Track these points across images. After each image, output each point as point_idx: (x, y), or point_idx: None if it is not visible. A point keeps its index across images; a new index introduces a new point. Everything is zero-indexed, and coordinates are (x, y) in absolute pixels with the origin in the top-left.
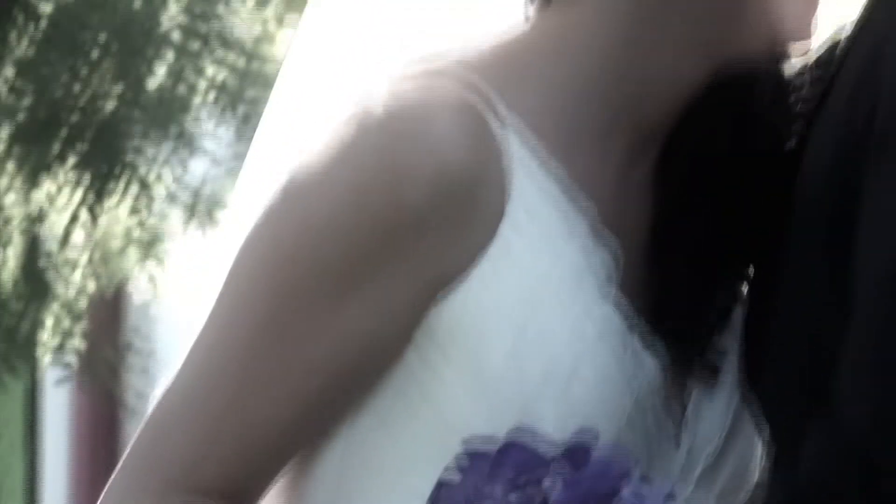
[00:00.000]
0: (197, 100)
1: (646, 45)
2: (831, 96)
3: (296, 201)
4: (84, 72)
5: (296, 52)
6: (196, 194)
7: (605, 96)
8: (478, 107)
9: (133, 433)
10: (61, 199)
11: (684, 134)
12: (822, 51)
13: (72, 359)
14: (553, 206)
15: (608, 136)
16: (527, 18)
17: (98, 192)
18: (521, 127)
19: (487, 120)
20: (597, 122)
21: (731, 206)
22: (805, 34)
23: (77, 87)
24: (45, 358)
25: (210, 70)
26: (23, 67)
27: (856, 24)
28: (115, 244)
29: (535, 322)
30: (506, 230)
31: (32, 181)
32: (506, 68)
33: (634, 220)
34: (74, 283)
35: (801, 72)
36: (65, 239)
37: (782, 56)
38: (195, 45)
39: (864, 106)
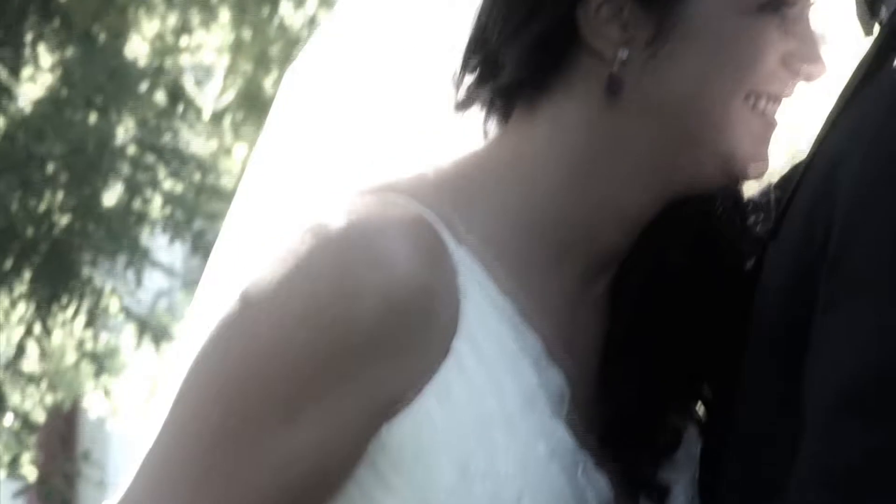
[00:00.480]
0: (153, 213)
1: (601, 170)
2: (787, 218)
3: (247, 318)
4: (39, 185)
5: (253, 165)
6: (151, 309)
7: (560, 219)
8: (433, 225)
9: None
10: (16, 313)
11: (638, 257)
12: (784, 173)
13: (28, 471)
14: (506, 325)
15: (563, 258)
16: (485, 136)
17: (52, 306)
18: (475, 246)
19: (442, 238)
20: (551, 244)
21: (685, 327)
22: (759, 164)
23: (32, 201)
24: (1, 471)
25: (166, 183)
26: None
27: (812, 148)
28: (70, 358)
29: (485, 445)
30: (459, 348)
31: None
32: (462, 188)
33: (588, 339)
34: (30, 395)
35: (765, 193)
36: (19, 352)
37: (737, 182)
38: (150, 159)
39: (820, 228)
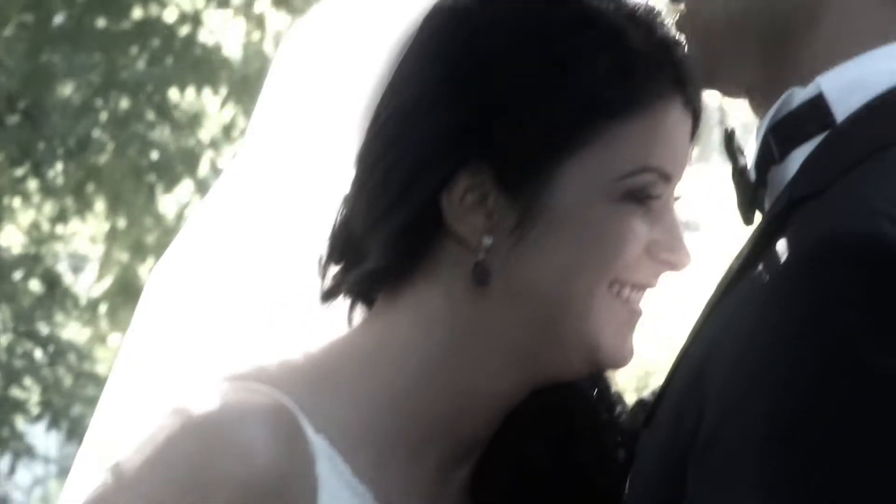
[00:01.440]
0: (30, 401)
1: (465, 359)
2: (660, 407)
3: (108, 500)
4: None
5: (127, 352)
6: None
7: (422, 409)
8: (292, 414)
9: None
10: None
11: (500, 446)
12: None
13: None
14: None
15: (424, 446)
16: (350, 323)
17: None
18: (335, 435)
19: (301, 427)
20: (413, 433)
21: None
22: (621, 358)
23: None
24: None
25: (44, 371)
26: None
27: (689, 336)
28: None
29: None
30: None
31: None
32: (325, 376)
33: None
34: None
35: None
36: None
37: (602, 371)
38: (28, 347)
39: (689, 420)
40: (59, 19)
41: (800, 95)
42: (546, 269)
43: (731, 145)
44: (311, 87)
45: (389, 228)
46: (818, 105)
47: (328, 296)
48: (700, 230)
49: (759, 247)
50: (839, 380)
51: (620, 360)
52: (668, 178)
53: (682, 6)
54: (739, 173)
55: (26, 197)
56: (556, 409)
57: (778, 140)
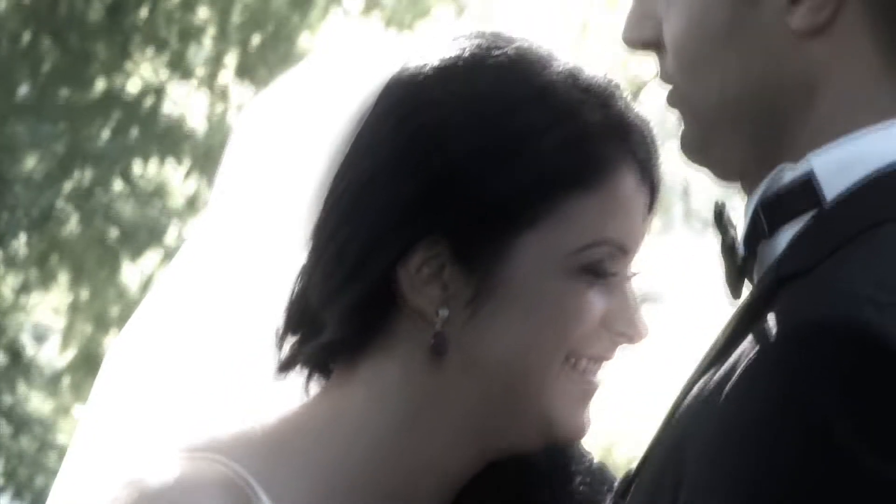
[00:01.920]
0: None
1: (421, 430)
2: (634, 487)
3: None
4: None
5: (86, 422)
6: None
7: (377, 479)
8: (246, 486)
9: None
10: None
11: None
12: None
13: None
14: None
15: None
16: (306, 394)
17: None
18: None
19: (255, 498)
20: (369, 503)
21: None
22: (577, 431)
23: None
24: None
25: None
26: None
27: (664, 419)
28: None
29: None
30: None
31: None
32: (281, 447)
33: None
34: None
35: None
36: None
37: (558, 443)
38: None
39: (664, 499)
40: (23, 90)
41: (791, 172)
42: (502, 341)
43: (720, 219)
44: (271, 158)
45: (345, 301)
46: (808, 183)
47: (284, 367)
48: (662, 301)
49: (743, 324)
50: (816, 468)
51: (576, 433)
52: (625, 251)
53: (671, 85)
54: (728, 248)
55: None
56: (511, 481)
57: (767, 216)
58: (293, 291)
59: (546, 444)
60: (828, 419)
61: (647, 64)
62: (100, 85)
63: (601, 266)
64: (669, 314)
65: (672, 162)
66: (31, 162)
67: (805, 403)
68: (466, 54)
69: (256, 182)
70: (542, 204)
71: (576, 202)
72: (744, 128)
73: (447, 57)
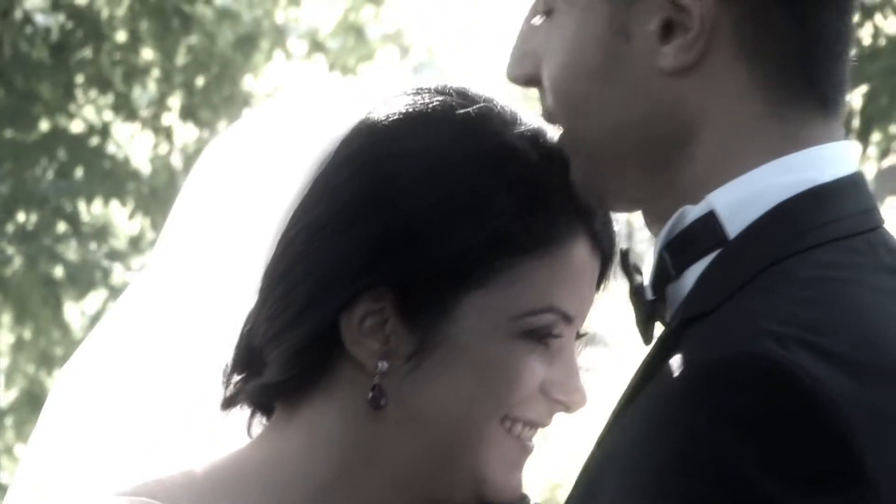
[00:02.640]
0: None
1: (356, 478)
2: None
3: None
4: None
5: (27, 462)
6: None
7: None
8: None
9: None
10: None
11: None
12: None
13: None
14: None
15: None
16: (249, 435)
17: None
18: None
19: None
20: None
21: None
22: (508, 492)
23: None
24: None
25: None
26: None
27: (586, 459)
28: None
29: None
30: None
31: None
32: (220, 491)
33: None
34: None
35: None
36: None
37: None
38: None
39: None
40: None
41: (692, 213)
42: (440, 399)
43: (626, 264)
44: (223, 200)
45: (288, 344)
46: (711, 222)
47: (227, 404)
48: (606, 344)
49: (653, 366)
50: (723, 502)
51: (507, 495)
52: (570, 320)
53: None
54: (636, 292)
55: None
56: None
57: (673, 257)
58: (242, 329)
59: (479, 502)
60: (734, 455)
61: None
62: (44, 125)
63: (546, 332)
64: (613, 356)
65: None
66: None
67: (711, 441)
68: (430, 109)
69: (207, 222)
70: (492, 266)
71: (526, 267)
72: (630, 163)
73: (410, 110)
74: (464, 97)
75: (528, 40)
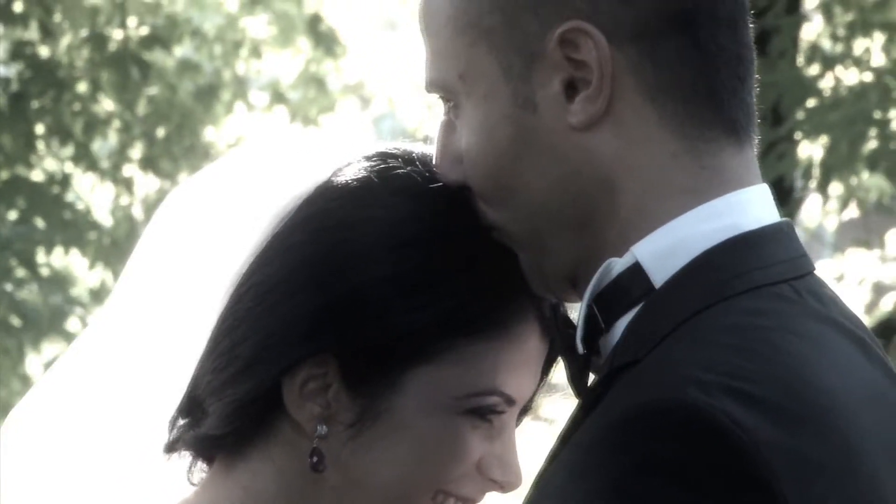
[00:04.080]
0: None
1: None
2: None
3: None
4: None
5: None
6: None
7: None
8: None
9: None
10: None
11: None
12: None
13: None
14: None
15: None
16: (189, 482)
17: None
18: None
19: None
20: None
21: None
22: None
23: None
24: None
25: None
26: None
27: None
28: None
29: None
30: None
31: None
32: None
33: None
34: None
35: None
36: None
37: None
38: None
39: None
40: None
41: (618, 265)
42: (376, 468)
43: (556, 320)
44: (180, 250)
45: (229, 399)
46: (637, 273)
47: (169, 449)
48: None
49: (582, 415)
50: None
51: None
52: (514, 403)
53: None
54: (568, 347)
55: None
56: None
57: (602, 309)
58: (191, 377)
59: None
60: (654, 500)
61: None
62: (4, 174)
63: (488, 412)
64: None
65: None
66: None
67: (631, 488)
68: (391, 178)
69: (164, 271)
70: (440, 344)
71: (474, 348)
72: (561, 236)
73: (373, 178)
74: (428, 168)
75: (446, 146)
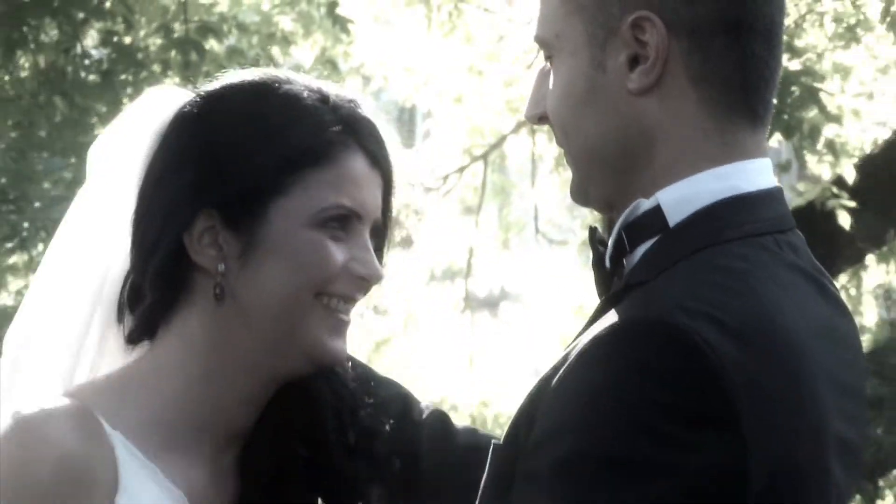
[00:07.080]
0: None
1: (217, 367)
2: (511, 425)
3: None
4: None
5: None
6: None
7: (189, 408)
8: (92, 414)
9: None
10: None
11: (258, 433)
12: None
13: None
14: (155, 484)
15: (198, 434)
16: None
17: None
18: (126, 429)
19: (99, 423)
20: (186, 425)
21: (311, 492)
22: (333, 357)
23: None
24: None
25: None
26: None
27: (532, 387)
28: None
29: None
30: (119, 502)
31: None
32: (117, 389)
33: (226, 497)
34: None
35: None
36: None
37: (324, 369)
38: None
39: (521, 435)
40: (41, 133)
41: (644, 205)
42: (264, 287)
43: (594, 238)
44: (110, 177)
45: (152, 269)
46: (657, 213)
47: (129, 339)
48: (520, 300)
49: (595, 318)
50: (625, 436)
51: (333, 359)
52: (359, 216)
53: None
54: (598, 261)
55: (14, 269)
56: (300, 403)
57: (628, 237)
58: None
59: (314, 369)
60: (642, 397)
61: None
62: (99, 130)
63: (338, 222)
64: (525, 308)
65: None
66: (45, 185)
67: (620, 383)
68: (238, 79)
69: (101, 195)
70: (288, 178)
71: (314, 177)
72: (607, 171)
73: (238, 80)
74: (291, 79)
75: (539, 87)
